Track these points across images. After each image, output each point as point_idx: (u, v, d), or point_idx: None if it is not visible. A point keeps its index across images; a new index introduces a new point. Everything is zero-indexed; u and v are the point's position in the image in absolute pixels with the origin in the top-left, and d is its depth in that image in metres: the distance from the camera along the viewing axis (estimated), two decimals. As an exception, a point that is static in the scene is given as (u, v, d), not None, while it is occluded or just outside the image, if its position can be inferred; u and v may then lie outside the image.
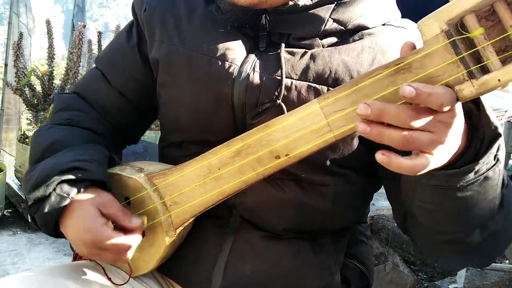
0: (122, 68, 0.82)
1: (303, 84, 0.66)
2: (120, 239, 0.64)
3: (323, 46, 0.68)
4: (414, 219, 0.65)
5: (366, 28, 0.70)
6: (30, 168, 0.72)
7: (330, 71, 0.66)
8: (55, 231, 0.69)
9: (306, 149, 0.57)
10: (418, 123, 0.46)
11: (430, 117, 0.46)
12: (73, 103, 0.83)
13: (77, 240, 0.65)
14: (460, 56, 0.45)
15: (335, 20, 0.68)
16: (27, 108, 2.65)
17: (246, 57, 0.69)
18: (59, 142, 0.73)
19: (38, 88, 2.58)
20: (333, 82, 0.66)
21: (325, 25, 0.68)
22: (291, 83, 0.66)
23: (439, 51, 0.46)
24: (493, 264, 2.02)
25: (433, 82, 0.46)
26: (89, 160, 0.68)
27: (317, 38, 0.68)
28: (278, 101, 0.66)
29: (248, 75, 0.67)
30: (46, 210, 0.64)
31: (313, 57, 0.67)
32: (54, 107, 0.85)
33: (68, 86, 2.56)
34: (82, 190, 0.66)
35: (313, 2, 0.68)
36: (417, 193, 0.59)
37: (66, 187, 0.65)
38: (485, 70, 0.45)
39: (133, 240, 0.65)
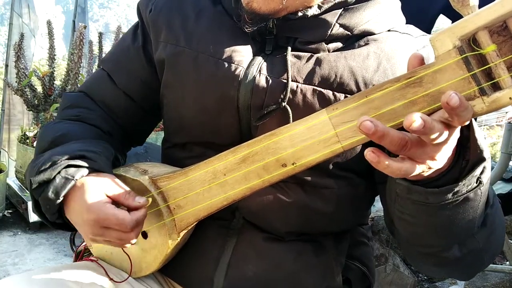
0: (127, 69, 0.82)
1: (309, 88, 0.66)
2: (124, 215, 0.63)
3: (328, 51, 0.69)
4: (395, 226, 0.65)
5: (371, 33, 0.70)
6: (35, 158, 0.72)
7: (336, 75, 0.66)
8: (61, 218, 0.68)
9: (313, 159, 0.57)
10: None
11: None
12: (81, 101, 0.83)
13: (81, 221, 0.64)
14: (472, 73, 0.44)
15: (341, 25, 0.68)
16: (27, 109, 2.66)
17: (252, 60, 0.69)
18: (67, 135, 0.74)
19: (39, 88, 2.58)
20: (338, 86, 0.66)
21: (332, 29, 0.68)
22: (297, 86, 0.67)
23: (451, 67, 0.45)
24: (493, 265, 2.02)
25: None
26: (97, 152, 0.69)
27: (323, 43, 0.69)
28: (284, 104, 0.66)
29: (254, 77, 0.68)
30: (50, 192, 0.64)
31: (318, 61, 0.67)
32: (61, 104, 0.86)
33: (69, 87, 2.56)
34: (86, 173, 0.66)
35: (321, 10, 0.68)
36: (397, 204, 0.59)
37: (71, 170, 0.65)
38: (496, 86, 0.44)
39: (137, 216, 0.64)
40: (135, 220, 0.63)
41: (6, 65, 2.93)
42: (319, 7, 0.68)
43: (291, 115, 0.66)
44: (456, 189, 0.52)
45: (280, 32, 0.69)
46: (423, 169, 0.48)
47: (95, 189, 0.64)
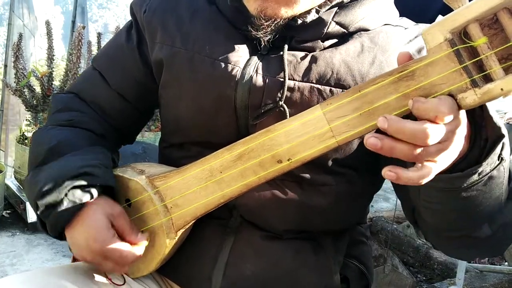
0: (121, 68, 0.81)
1: (306, 85, 0.67)
2: (127, 251, 0.65)
3: (324, 48, 0.69)
4: (421, 216, 0.65)
5: (367, 30, 0.70)
6: (33, 171, 0.72)
7: (332, 71, 0.67)
8: (59, 234, 0.69)
9: (308, 154, 0.57)
10: (432, 140, 0.45)
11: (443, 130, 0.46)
12: (72, 103, 0.82)
13: (84, 247, 0.65)
14: (463, 65, 0.45)
15: (337, 23, 0.69)
16: (26, 109, 2.65)
17: (248, 60, 0.69)
18: (62, 144, 0.73)
19: (38, 89, 2.58)
20: (336, 82, 0.67)
21: (328, 27, 0.68)
22: (294, 84, 0.67)
23: (442, 60, 0.46)
24: (492, 266, 2.03)
25: (436, 90, 0.47)
26: (97, 166, 0.69)
27: (319, 41, 0.69)
28: (281, 103, 0.66)
29: (251, 77, 0.68)
30: (58, 215, 0.65)
31: (314, 59, 0.68)
32: (51, 107, 0.84)
33: (67, 88, 2.56)
34: (94, 196, 0.67)
35: (319, 15, 0.68)
36: (422, 194, 0.59)
37: (78, 193, 0.66)
38: (488, 78, 0.45)
39: (137, 253, 0.67)
40: (136, 256, 0.66)
41: (5, 66, 2.93)
42: (317, 11, 0.68)
43: (288, 114, 0.66)
44: (480, 170, 0.52)
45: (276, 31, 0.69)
46: (441, 166, 0.48)
47: (103, 219, 0.66)
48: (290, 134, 0.57)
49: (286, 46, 0.68)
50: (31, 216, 2.28)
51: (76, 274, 0.69)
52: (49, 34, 2.59)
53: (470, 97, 0.46)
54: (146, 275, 0.74)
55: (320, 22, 0.68)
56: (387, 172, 0.47)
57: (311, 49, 0.69)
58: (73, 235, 0.67)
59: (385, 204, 2.79)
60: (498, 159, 0.54)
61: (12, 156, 2.79)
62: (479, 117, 0.53)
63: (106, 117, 0.82)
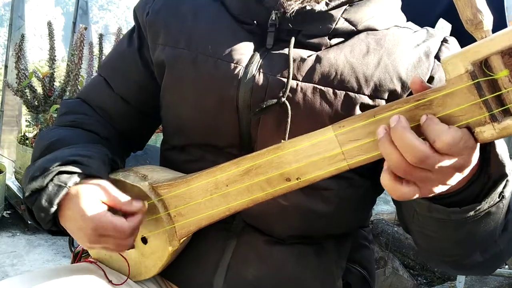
0: (123, 73, 0.82)
1: (309, 86, 0.66)
2: (121, 222, 0.63)
3: (330, 46, 0.68)
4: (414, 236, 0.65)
5: (374, 30, 0.70)
6: (30, 165, 0.72)
7: (336, 72, 0.66)
8: (55, 226, 0.68)
9: (318, 175, 0.56)
10: (416, 162, 0.46)
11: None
12: (78, 107, 0.83)
13: (77, 230, 0.64)
14: (483, 99, 0.44)
15: (346, 20, 0.68)
16: (27, 110, 2.66)
17: (251, 57, 0.69)
18: (61, 141, 0.73)
19: (39, 89, 2.58)
20: (339, 83, 0.66)
21: (337, 23, 0.68)
22: (297, 84, 0.66)
23: (462, 91, 0.44)
24: (492, 269, 2.02)
25: (453, 122, 0.46)
26: (89, 156, 0.68)
27: (326, 37, 0.68)
28: (283, 99, 0.65)
29: (253, 76, 0.67)
30: (43, 200, 0.63)
31: (319, 59, 0.67)
32: (58, 112, 0.86)
33: (69, 88, 2.56)
34: (79, 180, 0.65)
35: (328, 8, 0.67)
36: (416, 220, 0.59)
37: (63, 177, 0.64)
38: (507, 112, 0.44)
39: (135, 222, 0.64)
40: (132, 226, 0.64)
41: (6, 66, 2.93)
42: (327, 4, 0.67)
43: (289, 111, 0.65)
44: (478, 207, 0.51)
45: (282, 25, 0.68)
46: (426, 192, 0.48)
47: (91, 196, 0.63)
48: (299, 153, 0.56)
49: (293, 39, 0.67)
50: (32, 217, 2.28)
51: (78, 275, 0.69)
52: (50, 35, 2.59)
53: (488, 132, 0.44)
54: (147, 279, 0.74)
55: (329, 18, 0.67)
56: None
57: (317, 46, 0.68)
58: (67, 223, 0.65)
59: (385, 206, 2.79)
60: (499, 197, 0.53)
61: (12, 156, 2.79)
62: (486, 152, 0.52)
63: (112, 122, 0.82)
